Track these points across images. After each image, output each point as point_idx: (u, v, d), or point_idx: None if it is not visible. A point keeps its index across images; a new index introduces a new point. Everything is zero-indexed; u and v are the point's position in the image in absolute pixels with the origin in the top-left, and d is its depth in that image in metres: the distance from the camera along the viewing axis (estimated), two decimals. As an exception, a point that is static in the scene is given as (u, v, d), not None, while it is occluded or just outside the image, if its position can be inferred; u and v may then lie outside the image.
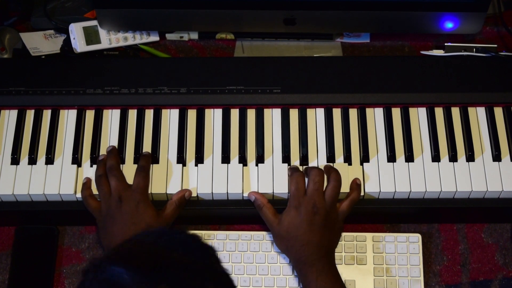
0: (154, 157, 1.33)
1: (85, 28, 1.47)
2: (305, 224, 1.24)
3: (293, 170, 1.30)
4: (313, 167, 1.29)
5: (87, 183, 1.31)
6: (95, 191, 1.30)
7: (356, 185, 1.30)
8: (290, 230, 1.25)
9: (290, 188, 1.28)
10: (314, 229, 1.24)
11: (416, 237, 1.33)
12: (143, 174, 1.29)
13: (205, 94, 1.37)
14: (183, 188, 1.30)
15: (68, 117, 1.38)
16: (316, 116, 1.37)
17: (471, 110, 1.38)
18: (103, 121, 1.37)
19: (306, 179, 1.28)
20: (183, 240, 0.89)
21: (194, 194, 1.30)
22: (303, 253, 1.23)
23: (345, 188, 1.29)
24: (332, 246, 1.27)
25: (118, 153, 1.33)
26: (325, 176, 1.28)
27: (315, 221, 1.24)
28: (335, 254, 1.29)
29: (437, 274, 1.34)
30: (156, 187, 1.30)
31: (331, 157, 1.33)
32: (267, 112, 1.38)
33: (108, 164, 1.30)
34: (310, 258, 1.22)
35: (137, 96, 1.37)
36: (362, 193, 1.30)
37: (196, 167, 1.33)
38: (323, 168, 1.30)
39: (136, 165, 1.32)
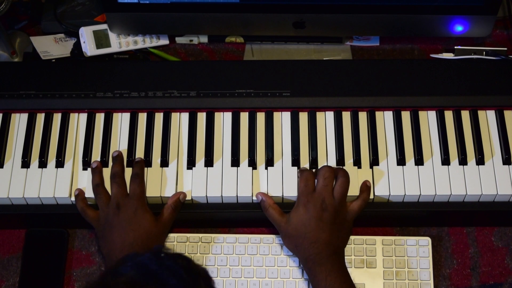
0: (163, 160, 1.33)
1: (95, 32, 1.48)
2: (313, 221, 1.23)
3: (303, 170, 1.30)
4: (323, 166, 1.29)
5: (79, 195, 1.30)
6: (89, 200, 1.31)
7: (366, 186, 1.30)
8: (299, 228, 1.24)
9: (299, 186, 1.27)
10: (323, 226, 1.23)
11: (426, 241, 1.33)
12: (138, 180, 1.29)
13: (215, 97, 1.38)
14: (191, 191, 1.31)
15: (79, 120, 1.38)
16: (326, 119, 1.37)
17: (481, 113, 1.38)
18: (113, 125, 1.38)
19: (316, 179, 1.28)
20: (172, 267, 0.90)
21: (203, 196, 1.31)
22: (312, 251, 1.22)
23: (354, 191, 1.29)
24: (341, 245, 1.27)
25: (123, 159, 1.33)
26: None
27: (324, 218, 1.24)
28: (345, 257, 1.28)
29: (447, 278, 1.34)
30: (165, 190, 1.31)
31: (340, 160, 1.33)
32: (276, 115, 1.38)
33: (113, 171, 1.30)
34: (319, 256, 1.22)
35: (147, 99, 1.38)
36: (372, 196, 1.30)
37: (206, 170, 1.33)
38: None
39: (146, 169, 1.32)
